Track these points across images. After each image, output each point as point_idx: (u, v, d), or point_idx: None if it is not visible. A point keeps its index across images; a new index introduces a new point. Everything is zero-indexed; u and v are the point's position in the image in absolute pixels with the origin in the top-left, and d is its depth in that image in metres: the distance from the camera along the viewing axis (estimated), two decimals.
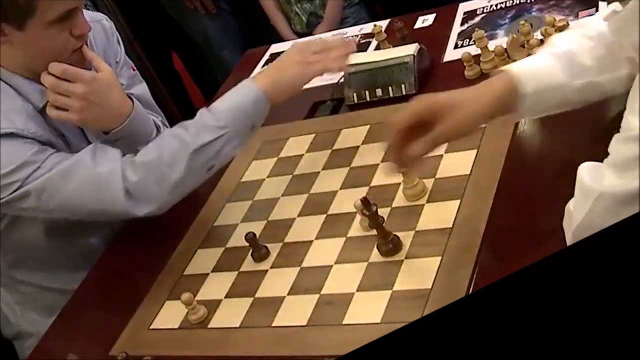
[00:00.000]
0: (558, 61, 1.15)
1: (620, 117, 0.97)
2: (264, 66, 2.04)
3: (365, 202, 1.24)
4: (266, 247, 1.41)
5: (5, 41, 1.42)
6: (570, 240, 1.01)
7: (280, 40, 2.50)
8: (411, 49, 1.64)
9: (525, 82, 1.12)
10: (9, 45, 1.43)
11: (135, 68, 1.75)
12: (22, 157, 1.41)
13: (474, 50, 1.62)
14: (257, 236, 1.40)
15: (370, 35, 1.90)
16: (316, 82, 1.84)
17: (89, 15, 1.69)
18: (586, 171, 0.97)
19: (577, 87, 1.15)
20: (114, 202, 1.42)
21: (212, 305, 1.35)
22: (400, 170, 1.21)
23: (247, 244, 1.40)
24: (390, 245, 1.25)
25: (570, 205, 1.02)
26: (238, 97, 1.48)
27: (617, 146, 0.93)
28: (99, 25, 1.67)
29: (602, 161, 0.97)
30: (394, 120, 1.14)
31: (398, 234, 1.29)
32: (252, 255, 1.41)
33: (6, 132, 1.41)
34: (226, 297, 1.36)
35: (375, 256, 1.27)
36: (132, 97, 1.54)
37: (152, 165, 1.41)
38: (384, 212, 1.34)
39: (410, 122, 1.12)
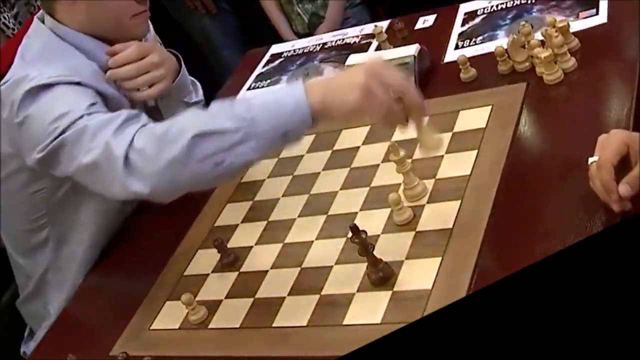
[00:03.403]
0: None
1: (619, 117, 0.97)
2: (264, 66, 2.04)
3: (354, 228, 1.20)
4: (234, 253, 1.41)
5: (68, 2, 1.46)
6: None
7: (281, 40, 2.50)
8: (411, 50, 1.64)
9: None
10: (72, 6, 1.47)
11: (161, 42, 1.79)
12: (77, 104, 1.37)
13: (472, 51, 1.63)
14: (226, 241, 1.42)
15: (371, 36, 1.90)
16: None
17: None
18: None
19: None
20: (115, 173, 1.26)
21: (212, 305, 1.35)
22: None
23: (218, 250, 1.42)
24: (380, 273, 1.22)
25: None
26: (278, 94, 1.23)
27: None
28: None
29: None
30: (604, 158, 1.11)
31: (398, 234, 1.29)
32: (220, 261, 1.42)
33: (73, 80, 1.41)
34: (226, 297, 1.36)
35: None
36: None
37: (157, 136, 1.24)
38: (384, 212, 1.35)
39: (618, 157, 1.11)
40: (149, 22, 1.71)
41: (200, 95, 1.69)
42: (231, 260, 1.41)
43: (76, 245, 1.63)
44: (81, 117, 1.35)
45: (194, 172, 1.21)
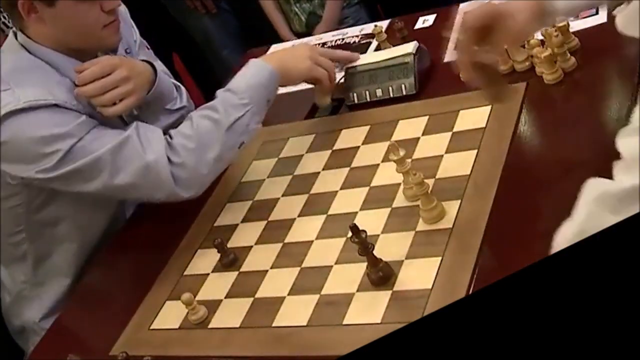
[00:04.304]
0: None
1: (620, 117, 0.97)
2: None
3: (354, 228, 1.20)
4: (234, 253, 1.42)
5: (37, 18, 1.45)
6: (558, 243, 0.95)
7: (280, 40, 2.50)
8: (410, 47, 1.63)
9: None
10: (41, 22, 1.46)
11: (149, 47, 1.77)
12: (65, 127, 1.42)
13: None
14: (225, 241, 1.43)
15: (371, 36, 1.90)
16: None
17: None
18: (592, 181, 0.93)
19: None
20: (163, 188, 1.45)
21: (212, 305, 1.35)
22: (467, 75, 1.24)
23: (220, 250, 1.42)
24: (380, 273, 1.22)
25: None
26: (253, 75, 1.54)
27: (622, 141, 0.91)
28: None
29: (602, 161, 0.96)
30: (465, 19, 1.23)
31: (398, 233, 1.29)
32: (220, 261, 1.42)
33: (49, 103, 1.42)
34: (226, 297, 1.36)
35: None
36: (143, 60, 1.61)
37: (191, 148, 1.45)
38: (384, 212, 1.35)
39: (478, 23, 1.20)
40: (134, 27, 1.72)
41: (184, 100, 1.67)
42: (231, 260, 1.41)
43: (56, 262, 1.63)
44: (79, 139, 1.42)
45: (228, 159, 1.52)
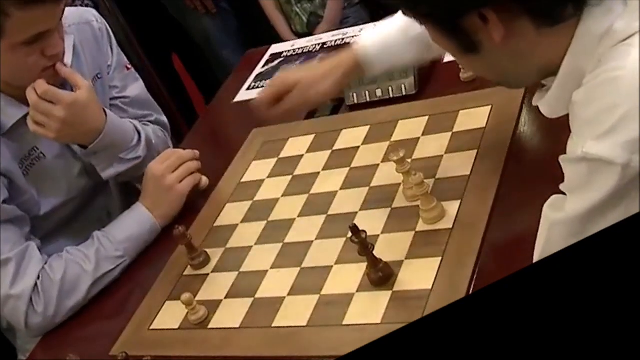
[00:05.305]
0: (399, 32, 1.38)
1: None
2: (264, 66, 2.04)
3: (354, 228, 1.19)
4: (206, 252, 1.43)
5: None
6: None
7: (281, 40, 2.50)
8: None
9: (370, 60, 1.41)
10: None
11: (129, 66, 1.74)
12: None
13: None
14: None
15: None
16: None
17: (79, 14, 1.67)
18: (549, 202, 0.98)
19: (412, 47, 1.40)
20: (13, 321, 1.50)
21: (212, 305, 1.35)
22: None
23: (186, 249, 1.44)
24: (380, 273, 1.22)
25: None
26: (136, 227, 1.55)
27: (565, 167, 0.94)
28: (88, 28, 1.66)
29: None
30: (259, 97, 1.49)
31: (398, 233, 1.29)
32: (190, 262, 1.44)
33: None
34: (226, 297, 1.36)
35: None
36: (105, 110, 1.56)
37: (53, 296, 1.46)
38: (384, 212, 1.35)
39: (269, 98, 1.48)
40: (113, 48, 1.69)
41: (140, 151, 1.62)
42: (202, 261, 1.43)
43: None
44: None
45: (84, 304, 1.50)
